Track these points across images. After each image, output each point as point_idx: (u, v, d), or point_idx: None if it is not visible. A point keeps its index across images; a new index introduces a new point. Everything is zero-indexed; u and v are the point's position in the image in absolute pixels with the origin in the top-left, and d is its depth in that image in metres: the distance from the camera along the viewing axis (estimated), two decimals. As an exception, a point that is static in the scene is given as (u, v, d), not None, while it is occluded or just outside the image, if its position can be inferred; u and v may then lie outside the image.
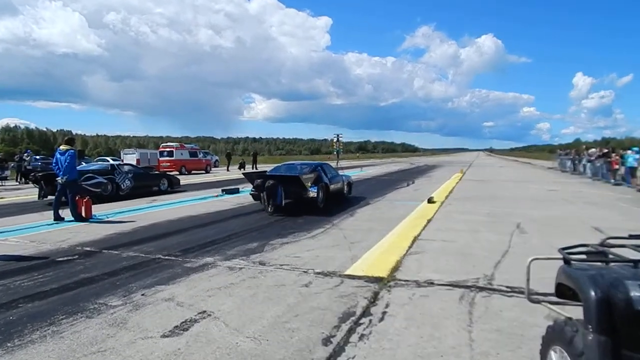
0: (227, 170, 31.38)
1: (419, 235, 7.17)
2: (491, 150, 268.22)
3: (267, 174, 8.50)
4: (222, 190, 14.16)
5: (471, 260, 5.58)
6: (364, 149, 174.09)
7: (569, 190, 15.12)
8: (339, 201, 11.69)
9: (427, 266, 5.29)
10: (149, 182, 13.92)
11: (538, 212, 9.55)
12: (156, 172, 17.14)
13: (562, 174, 25.19)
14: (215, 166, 36.12)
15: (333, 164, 26.04)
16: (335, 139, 31.71)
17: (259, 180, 8.14)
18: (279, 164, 10.92)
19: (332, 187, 10.07)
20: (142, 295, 4.30)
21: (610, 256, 2.13)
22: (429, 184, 18.28)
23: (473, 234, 7.20)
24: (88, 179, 11.34)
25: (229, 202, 11.92)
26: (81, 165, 13.37)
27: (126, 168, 13.18)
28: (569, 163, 26.97)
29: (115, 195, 12.14)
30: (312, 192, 8.67)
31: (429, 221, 8.46)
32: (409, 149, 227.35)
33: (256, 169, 30.83)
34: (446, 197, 12.60)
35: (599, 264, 2.06)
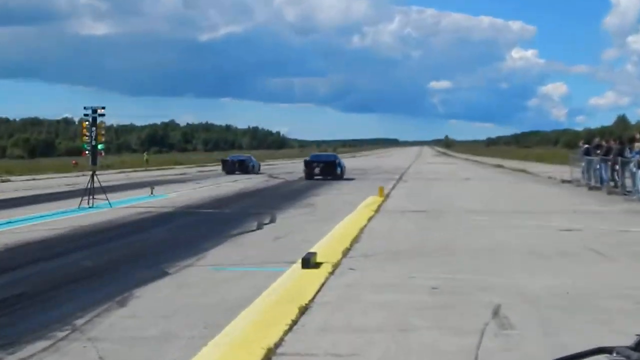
0: None
1: (277, 345, 7.23)
2: (447, 144, 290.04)
3: (312, 159, 46.17)
4: None
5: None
6: (161, 143, 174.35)
7: (601, 229, 16.78)
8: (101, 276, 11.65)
9: None
10: None
11: (537, 280, 10.39)
12: None
13: (589, 194, 28.17)
14: None
15: (81, 179, 25.31)
16: (87, 121, 30.65)
17: (314, 164, 44.13)
18: (316, 153, 55.25)
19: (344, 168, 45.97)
20: None
21: None
22: (307, 223, 18.92)
23: (399, 338, 7.53)
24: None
25: None
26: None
27: None
28: (603, 169, 30.11)
29: None
30: (339, 170, 43.81)
31: (302, 312, 8.59)
32: (265, 141, 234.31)
33: None
34: (345, 253, 13.05)
35: None
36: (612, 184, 28.77)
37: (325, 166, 43.82)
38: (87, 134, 29.23)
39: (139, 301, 9.67)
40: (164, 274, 11.73)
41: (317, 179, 42.26)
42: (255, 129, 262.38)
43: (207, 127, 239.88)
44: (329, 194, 30.83)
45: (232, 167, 52.60)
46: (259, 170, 55.87)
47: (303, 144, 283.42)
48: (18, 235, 17.11)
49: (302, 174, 45.30)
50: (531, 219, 19.01)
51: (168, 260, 12.96)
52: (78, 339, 7.80)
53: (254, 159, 57.22)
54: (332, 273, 11.10)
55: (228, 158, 57.84)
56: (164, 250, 14.49)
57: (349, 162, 77.13)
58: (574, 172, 35.59)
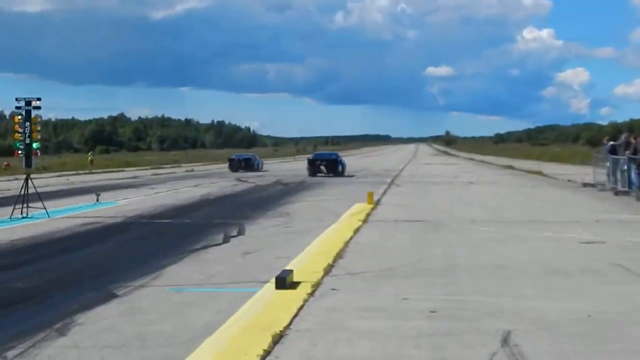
0: None
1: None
2: (448, 141, 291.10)
3: (315, 157, 60.57)
4: None
5: None
6: (109, 141, 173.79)
7: (629, 241, 16.93)
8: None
9: None
10: None
11: (554, 303, 10.45)
12: None
13: (615, 200, 28.35)
14: None
15: (13, 184, 25.16)
16: (19, 115, 30.49)
17: (317, 162, 57.54)
18: (318, 152, 79.78)
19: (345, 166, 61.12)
20: None
21: None
22: (281, 235, 19.04)
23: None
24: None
25: None
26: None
27: None
28: (632, 171, 30.16)
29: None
30: (340, 168, 57.56)
31: (276, 341, 8.58)
32: (232, 138, 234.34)
33: None
34: (327, 271, 13.09)
35: None
36: (640, 187, 28.85)
37: (327, 164, 56.10)
38: (20, 130, 29.04)
39: (82, 329, 9.57)
40: (112, 296, 11.66)
41: (299, 181, 44.27)
42: (221, 124, 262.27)
43: (163, 122, 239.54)
44: (308, 201, 30.98)
45: (238, 165, 67.12)
46: (262, 168, 70.73)
47: (277, 142, 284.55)
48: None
49: (276, 178, 48.50)
50: (546, 230, 19.11)
51: (117, 280, 12.91)
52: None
53: (258, 158, 74.79)
54: (311, 294, 11.09)
55: (234, 157, 72.83)
56: (112, 268, 14.46)
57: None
58: (597, 174, 35.89)
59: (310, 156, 63.33)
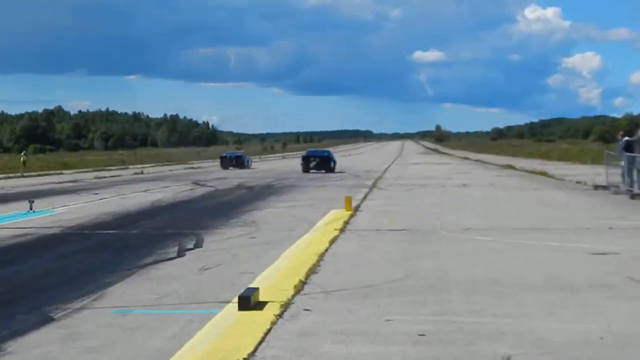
0: None
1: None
2: (439, 137, 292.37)
3: (309, 154, 79.14)
4: None
5: None
6: (44, 139, 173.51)
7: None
8: None
9: None
10: None
11: (560, 323, 10.48)
12: None
13: (631, 204, 28.56)
14: None
15: None
16: None
17: (310, 158, 75.39)
18: (311, 149, 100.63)
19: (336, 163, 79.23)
20: None
21: None
22: (246, 247, 19.13)
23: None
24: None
25: None
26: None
27: None
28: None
29: None
30: (332, 165, 75.20)
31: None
32: (188, 135, 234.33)
33: None
34: (298, 289, 13.11)
35: None
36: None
37: (320, 161, 71.09)
38: None
39: (12, 358, 9.53)
40: (47, 319, 11.60)
41: (265, 184, 45.31)
42: (175, 119, 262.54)
43: (108, 117, 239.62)
44: (277, 207, 31.08)
45: (230, 163, 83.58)
46: (251, 166, 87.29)
47: (241, 139, 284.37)
48: None
49: (238, 182, 49.88)
50: (552, 240, 19.21)
51: (54, 301, 12.86)
52: None
53: (248, 156, 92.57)
54: (280, 316, 11.09)
55: (225, 154, 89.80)
56: (48, 287, 14.41)
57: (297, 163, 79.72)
58: (610, 174, 36.12)
59: (304, 153, 78.94)
